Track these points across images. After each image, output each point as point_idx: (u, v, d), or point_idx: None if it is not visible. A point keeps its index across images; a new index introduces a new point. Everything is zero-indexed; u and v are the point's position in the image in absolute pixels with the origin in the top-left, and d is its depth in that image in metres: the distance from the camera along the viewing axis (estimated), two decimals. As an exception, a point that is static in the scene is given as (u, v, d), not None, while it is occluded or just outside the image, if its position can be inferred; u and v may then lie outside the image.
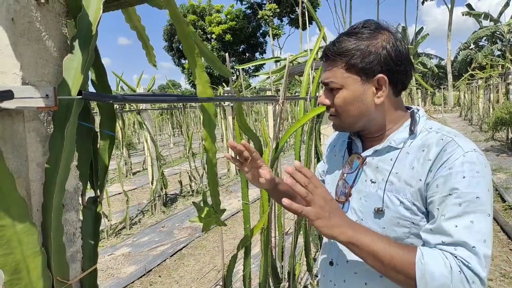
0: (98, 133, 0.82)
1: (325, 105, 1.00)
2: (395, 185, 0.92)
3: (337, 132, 1.23)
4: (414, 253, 0.78)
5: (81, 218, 0.74)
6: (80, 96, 0.61)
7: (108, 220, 4.96)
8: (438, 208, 0.82)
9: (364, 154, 1.02)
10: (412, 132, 0.95)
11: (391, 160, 0.95)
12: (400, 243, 0.84)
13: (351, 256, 0.98)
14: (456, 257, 0.76)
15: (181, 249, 4.35)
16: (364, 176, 1.00)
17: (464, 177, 0.81)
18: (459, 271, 0.74)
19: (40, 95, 0.58)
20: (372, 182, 0.97)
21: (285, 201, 0.79)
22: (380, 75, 0.92)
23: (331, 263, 1.05)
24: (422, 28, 34.15)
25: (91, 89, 0.78)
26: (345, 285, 1.01)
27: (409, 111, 1.02)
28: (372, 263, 0.81)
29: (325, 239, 1.16)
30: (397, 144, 0.96)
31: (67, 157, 0.62)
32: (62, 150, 0.60)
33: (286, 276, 2.43)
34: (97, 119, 0.88)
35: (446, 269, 0.75)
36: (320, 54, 2.24)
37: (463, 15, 29.07)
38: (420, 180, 0.87)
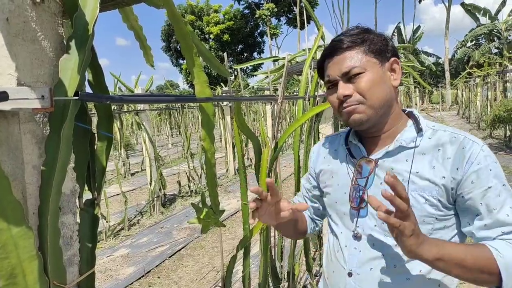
0: (95, 134, 0.81)
1: (346, 96, 0.95)
2: (418, 184, 0.93)
3: (318, 145, 1.22)
4: (488, 250, 0.84)
5: (78, 220, 0.73)
6: (77, 97, 0.60)
7: (107, 221, 4.94)
8: (481, 203, 0.88)
9: (374, 156, 1.00)
10: (420, 130, 0.97)
11: (406, 161, 0.96)
12: (470, 245, 0.87)
13: (373, 264, 0.97)
14: None
15: (180, 249, 4.34)
16: (377, 179, 0.98)
17: (491, 170, 0.88)
18: None
19: (36, 96, 0.57)
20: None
21: (381, 214, 0.76)
22: (393, 58, 0.98)
23: (349, 274, 1.01)
24: (419, 26, 34.27)
25: (88, 89, 0.77)
26: None
27: (404, 112, 1.05)
28: (457, 272, 0.83)
29: (328, 249, 1.14)
30: (407, 144, 0.97)
31: (64, 159, 0.61)
32: (58, 152, 0.59)
33: (285, 276, 2.42)
34: (94, 120, 0.87)
35: None
36: (319, 53, 2.23)
37: (464, 8, 29.11)
38: (444, 177, 0.91)
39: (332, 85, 1.00)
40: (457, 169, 0.90)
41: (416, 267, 0.93)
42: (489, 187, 0.88)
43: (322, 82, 1.71)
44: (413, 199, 0.92)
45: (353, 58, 0.95)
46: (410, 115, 1.03)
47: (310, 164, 1.24)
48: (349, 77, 0.95)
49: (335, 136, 1.19)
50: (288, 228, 1.17)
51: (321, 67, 1.06)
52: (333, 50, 0.98)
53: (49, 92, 0.58)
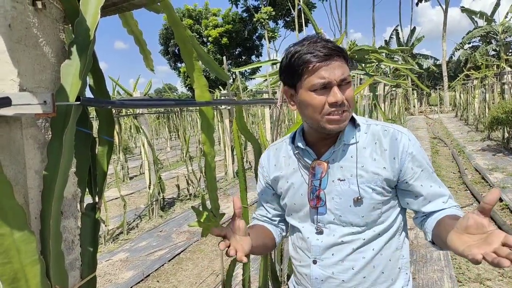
0: (96, 139, 0.82)
1: (343, 102, 1.00)
2: (365, 177, 1.05)
3: (267, 154, 1.27)
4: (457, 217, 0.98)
5: (80, 225, 0.74)
6: (79, 102, 0.61)
7: (106, 225, 4.93)
8: (421, 185, 1.06)
9: (324, 158, 1.10)
10: (357, 125, 1.10)
11: (351, 157, 1.08)
12: (453, 222, 0.91)
13: (333, 250, 1.09)
14: (455, 207, 1.07)
15: (179, 253, 4.32)
16: (330, 177, 1.09)
17: (420, 154, 1.06)
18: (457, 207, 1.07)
19: (38, 101, 0.57)
20: (341, 180, 1.07)
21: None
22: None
23: (314, 262, 1.12)
24: (415, 28, 34.38)
25: (89, 94, 0.78)
26: (334, 276, 1.09)
27: None
28: None
29: (291, 241, 1.23)
30: (349, 141, 1.09)
31: (66, 163, 0.61)
32: (60, 156, 0.59)
33: (285, 279, 2.42)
34: (95, 124, 0.87)
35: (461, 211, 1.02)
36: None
37: (462, 11, 29.24)
38: (385, 168, 1.05)
39: (325, 87, 0.99)
40: (393, 158, 1.04)
41: (370, 248, 1.08)
42: (422, 170, 1.05)
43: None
44: (363, 190, 1.05)
45: (345, 68, 1.03)
46: None
47: (263, 173, 1.27)
48: (340, 84, 1.01)
49: (280, 143, 1.26)
50: (260, 248, 1.19)
51: (303, 65, 1.01)
52: (330, 54, 0.99)
53: (51, 98, 0.58)
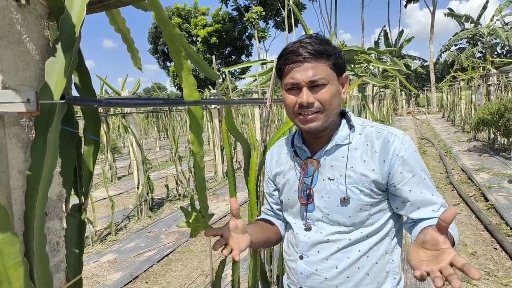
0: (82, 138, 0.80)
1: (310, 103, 1.03)
2: (353, 178, 1.06)
3: (271, 150, 1.32)
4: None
5: (65, 226, 0.72)
6: (63, 101, 0.59)
7: (93, 226, 4.87)
8: (410, 190, 1.03)
9: (316, 157, 1.12)
10: (352, 127, 1.11)
11: (342, 157, 1.08)
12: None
13: (319, 247, 1.11)
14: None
15: (168, 254, 4.29)
16: (321, 176, 1.11)
17: (412, 159, 1.04)
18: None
19: (21, 99, 0.56)
20: (330, 179, 1.09)
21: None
22: (345, 74, 1.10)
23: (301, 257, 1.14)
24: (403, 30, 34.77)
25: (75, 93, 0.76)
26: (318, 273, 1.11)
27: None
28: None
29: (285, 239, 1.25)
30: (342, 141, 1.10)
31: (50, 163, 0.60)
32: (44, 156, 0.58)
33: (275, 280, 2.42)
34: (81, 123, 0.86)
35: (453, 224, 0.93)
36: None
37: (445, 15, 29.60)
38: (373, 170, 1.04)
39: (294, 88, 1.05)
40: (383, 161, 1.04)
41: (355, 249, 1.08)
42: (413, 176, 1.03)
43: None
44: (350, 191, 1.05)
45: (321, 69, 1.03)
46: (343, 114, 1.15)
47: (266, 169, 1.33)
48: (313, 85, 1.03)
49: (284, 140, 1.30)
50: (262, 242, 1.24)
51: (281, 66, 1.09)
52: (301, 57, 1.02)
53: (34, 96, 0.57)
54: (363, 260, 1.08)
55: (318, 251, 1.11)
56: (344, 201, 1.06)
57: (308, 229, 1.14)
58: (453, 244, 0.90)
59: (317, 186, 1.11)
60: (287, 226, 1.26)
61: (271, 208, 1.33)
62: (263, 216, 1.37)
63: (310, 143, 1.16)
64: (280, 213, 1.32)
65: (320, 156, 1.11)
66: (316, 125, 1.05)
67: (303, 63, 1.02)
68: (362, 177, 1.05)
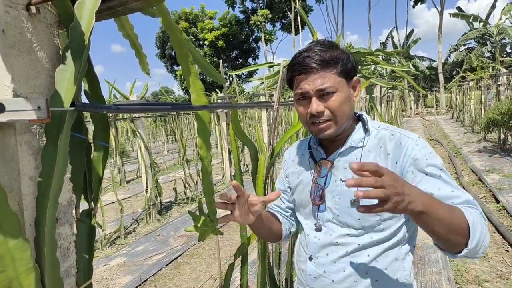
0: (92, 144, 0.81)
1: (319, 112, 1.05)
2: None
3: (290, 149, 1.35)
4: (462, 212, 0.89)
5: (75, 231, 0.73)
6: (73, 108, 0.60)
7: (102, 230, 4.90)
8: (424, 188, 0.96)
9: (330, 158, 1.14)
10: (367, 130, 1.11)
11: (356, 159, 1.09)
12: (449, 205, 0.91)
13: (328, 249, 1.11)
14: (471, 207, 0.94)
15: (177, 257, 4.31)
16: (334, 177, 1.12)
17: (427, 159, 1.01)
18: (483, 218, 0.93)
19: (32, 107, 0.57)
20: (343, 181, 1.09)
21: (359, 193, 0.75)
22: (355, 77, 1.11)
23: (310, 258, 1.15)
24: (412, 30, 34.58)
25: (84, 99, 0.77)
26: (325, 275, 1.11)
27: (355, 115, 1.17)
28: (435, 228, 0.85)
29: (297, 240, 1.27)
30: (356, 144, 1.11)
31: (61, 169, 0.61)
32: (55, 162, 0.59)
33: (283, 283, 2.41)
34: (90, 129, 0.87)
35: (479, 217, 0.92)
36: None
37: (450, 16, 29.36)
38: None
39: (304, 97, 1.07)
40: (396, 162, 1.04)
41: (364, 253, 1.07)
42: (426, 174, 0.99)
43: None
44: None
45: (327, 77, 1.03)
46: (360, 117, 1.16)
47: (284, 166, 1.34)
48: (322, 94, 1.04)
49: (302, 141, 1.32)
50: (263, 228, 1.24)
51: (291, 77, 1.12)
52: (308, 67, 1.04)
53: (45, 103, 0.58)
54: (372, 266, 1.07)
55: (327, 253, 1.12)
56: (354, 203, 1.05)
57: (318, 229, 1.15)
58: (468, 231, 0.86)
59: (330, 187, 1.12)
60: (300, 227, 1.28)
61: (281, 204, 1.34)
62: (269, 210, 1.37)
63: (326, 145, 1.17)
64: (288, 211, 1.33)
65: (334, 157, 1.13)
66: (330, 133, 1.07)
67: (310, 74, 1.04)
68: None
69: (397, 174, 0.98)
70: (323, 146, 1.18)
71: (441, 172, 1.00)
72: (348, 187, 0.76)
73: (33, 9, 0.61)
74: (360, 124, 1.14)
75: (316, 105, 1.04)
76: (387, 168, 0.79)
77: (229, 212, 1.05)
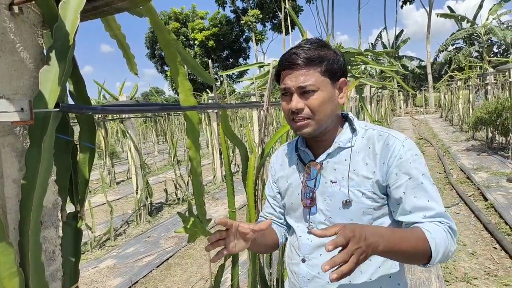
0: (78, 145, 0.80)
1: (298, 109, 1.05)
2: (355, 181, 1.06)
3: (276, 154, 1.33)
4: (422, 233, 0.94)
5: (61, 234, 0.72)
6: (58, 109, 0.59)
7: (92, 232, 4.85)
8: (404, 192, 1.01)
9: (319, 160, 1.13)
10: (354, 130, 1.12)
11: (345, 160, 1.09)
12: (406, 230, 0.97)
13: (322, 250, 1.10)
14: (441, 222, 0.99)
15: (168, 259, 4.28)
16: (323, 179, 1.11)
17: (411, 163, 1.02)
18: (448, 232, 0.98)
19: (15, 108, 0.56)
20: (333, 182, 1.09)
21: (333, 277, 0.78)
22: (342, 78, 1.10)
23: (303, 260, 1.14)
24: (402, 30, 34.91)
25: (70, 100, 0.76)
26: (319, 276, 1.10)
27: (342, 115, 1.17)
28: (397, 257, 0.95)
29: (288, 244, 1.26)
30: (344, 144, 1.10)
31: (45, 172, 0.59)
32: (39, 165, 0.58)
33: (274, 283, 2.41)
34: (76, 129, 0.85)
35: (444, 234, 0.96)
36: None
37: (437, 16, 29.66)
38: (375, 172, 1.04)
39: (287, 93, 1.08)
40: (383, 163, 1.04)
41: None
42: (409, 178, 1.01)
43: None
44: (352, 194, 1.06)
45: (310, 76, 1.04)
46: (346, 117, 1.16)
47: (271, 171, 1.33)
48: (303, 91, 1.04)
49: (289, 144, 1.30)
50: (260, 246, 1.22)
51: (278, 72, 1.13)
52: (293, 64, 1.05)
53: (28, 105, 0.57)
54: (366, 265, 1.06)
55: (321, 254, 1.11)
56: (346, 204, 1.06)
57: (310, 232, 1.13)
58: (429, 254, 0.93)
59: (320, 188, 1.12)
60: (290, 230, 1.26)
61: (273, 211, 1.32)
62: (261, 220, 1.35)
63: (313, 147, 1.16)
64: (282, 218, 1.31)
65: (323, 159, 1.12)
66: (309, 131, 1.06)
67: (294, 70, 1.05)
68: (364, 180, 1.05)
69: (383, 173, 1.04)
70: (311, 148, 1.17)
71: (423, 178, 1.02)
72: (324, 271, 0.78)
73: (15, 9, 0.60)
74: (347, 124, 1.14)
75: (296, 102, 1.04)
76: (343, 225, 0.83)
77: (223, 246, 1.02)
